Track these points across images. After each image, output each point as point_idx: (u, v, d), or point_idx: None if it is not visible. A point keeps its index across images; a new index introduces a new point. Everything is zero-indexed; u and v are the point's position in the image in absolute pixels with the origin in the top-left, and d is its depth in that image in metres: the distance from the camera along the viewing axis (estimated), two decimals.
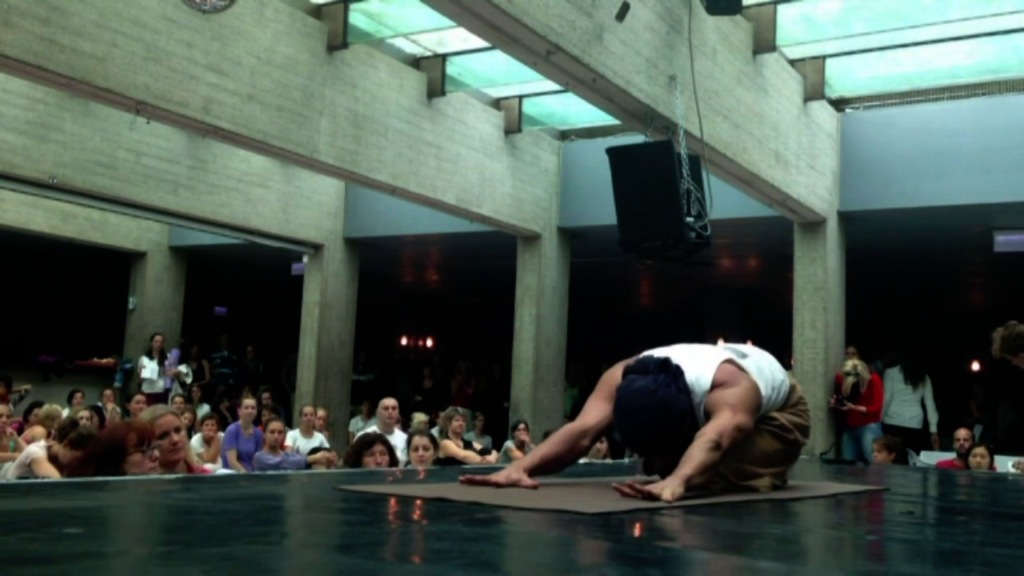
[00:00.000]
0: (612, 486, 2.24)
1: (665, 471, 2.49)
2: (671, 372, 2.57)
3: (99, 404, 9.93)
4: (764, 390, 2.69)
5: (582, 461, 5.96)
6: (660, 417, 2.52)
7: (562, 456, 2.68)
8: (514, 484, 2.44)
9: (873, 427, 9.06)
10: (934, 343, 13.85)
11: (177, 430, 3.72)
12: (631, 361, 2.69)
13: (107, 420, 8.34)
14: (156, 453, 3.39)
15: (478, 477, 2.54)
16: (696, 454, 2.42)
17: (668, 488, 2.26)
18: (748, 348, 2.89)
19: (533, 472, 2.59)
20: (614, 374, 2.73)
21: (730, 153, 7.29)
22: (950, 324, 14.91)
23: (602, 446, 6.79)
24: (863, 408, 9.08)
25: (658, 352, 2.73)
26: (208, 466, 6.57)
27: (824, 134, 9.16)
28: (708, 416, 2.61)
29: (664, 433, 2.55)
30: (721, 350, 2.80)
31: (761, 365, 2.76)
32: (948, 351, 14.42)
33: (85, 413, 7.24)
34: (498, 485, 2.43)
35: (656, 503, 2.20)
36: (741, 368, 2.69)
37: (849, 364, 9.14)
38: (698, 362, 2.68)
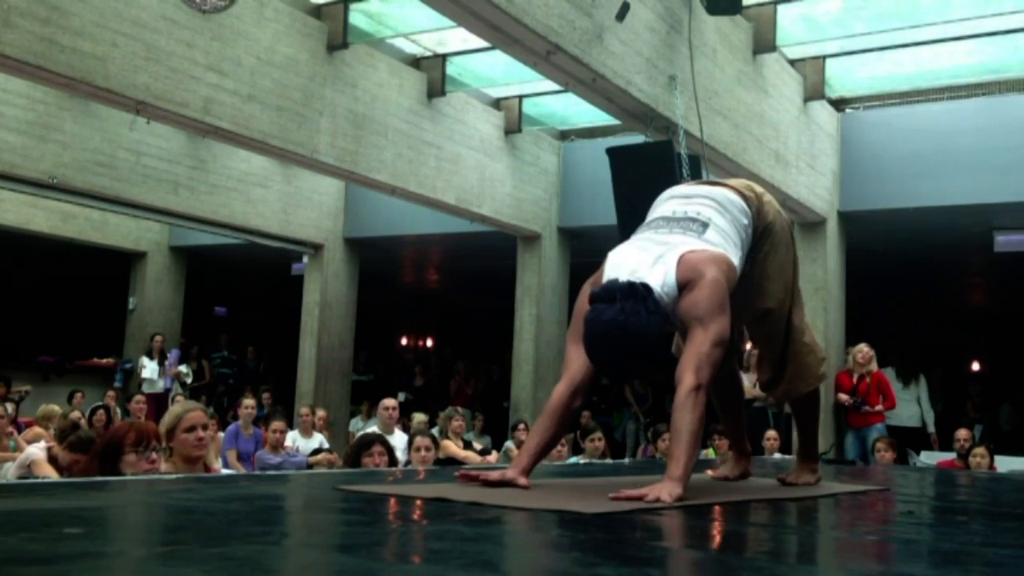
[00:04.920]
0: (609, 496, 2.23)
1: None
2: (639, 296, 2.39)
3: (103, 404, 9.92)
4: (734, 251, 2.61)
5: (582, 461, 5.97)
6: (633, 347, 2.37)
7: (557, 433, 2.61)
8: (509, 483, 2.44)
9: (879, 426, 9.01)
10: (934, 343, 13.85)
11: (204, 427, 3.70)
12: (597, 276, 2.56)
13: (96, 420, 8.25)
14: (154, 455, 3.37)
15: (473, 472, 2.53)
16: (682, 430, 2.34)
17: (666, 490, 2.25)
18: (704, 207, 2.69)
19: (534, 464, 2.56)
20: (584, 303, 2.54)
21: (730, 153, 7.29)
22: (950, 324, 14.91)
23: (601, 444, 6.79)
24: (880, 407, 8.95)
25: (620, 258, 2.57)
26: None
27: (824, 134, 9.15)
28: (684, 324, 2.51)
29: (639, 361, 2.42)
30: (680, 237, 2.60)
31: (723, 226, 2.64)
32: (948, 351, 14.42)
33: (76, 414, 7.21)
34: (492, 483, 2.43)
35: (656, 504, 2.20)
36: (702, 251, 2.55)
37: (851, 360, 9.07)
38: (659, 267, 2.51)
